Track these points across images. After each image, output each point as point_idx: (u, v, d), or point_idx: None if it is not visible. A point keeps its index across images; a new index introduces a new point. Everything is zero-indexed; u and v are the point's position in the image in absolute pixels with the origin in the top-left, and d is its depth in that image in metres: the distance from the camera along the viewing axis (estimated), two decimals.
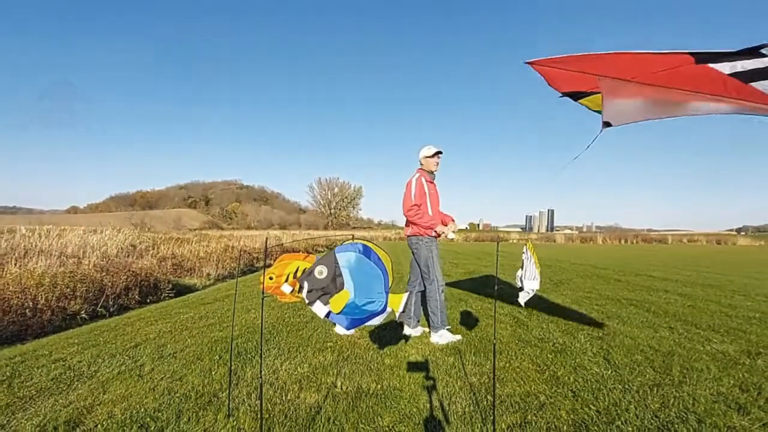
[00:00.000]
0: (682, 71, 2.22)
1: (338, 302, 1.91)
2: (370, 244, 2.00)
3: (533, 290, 2.26)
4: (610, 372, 2.80)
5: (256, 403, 2.33)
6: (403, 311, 2.01)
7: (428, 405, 2.34)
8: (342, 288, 1.93)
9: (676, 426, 2.06)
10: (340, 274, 1.94)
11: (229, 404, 2.32)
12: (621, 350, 3.28)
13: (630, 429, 2.05)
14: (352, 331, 2.10)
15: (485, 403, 2.36)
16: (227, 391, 2.46)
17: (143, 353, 3.36)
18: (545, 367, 2.90)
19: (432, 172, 3.76)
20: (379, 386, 2.59)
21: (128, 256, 8.53)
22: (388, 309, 1.97)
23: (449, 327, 3.65)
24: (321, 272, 1.93)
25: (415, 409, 2.28)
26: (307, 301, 1.94)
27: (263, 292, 2.12)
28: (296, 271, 2.16)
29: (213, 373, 2.86)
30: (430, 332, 3.64)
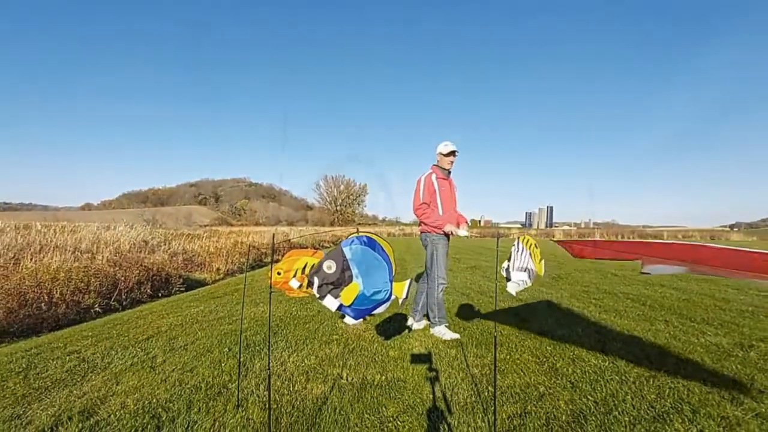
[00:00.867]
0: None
1: (349, 294, 1.97)
2: (373, 236, 2.07)
3: (523, 281, 2.33)
4: (607, 364, 2.86)
5: (264, 394, 2.40)
6: (406, 297, 2.09)
7: (431, 396, 2.40)
8: (351, 281, 2.00)
9: (672, 416, 2.13)
10: (349, 268, 2.00)
11: (238, 395, 2.38)
12: (618, 343, 3.35)
13: (626, 419, 2.11)
14: (360, 321, 2.17)
15: (486, 393, 2.43)
16: (236, 383, 2.53)
17: (155, 345, 3.43)
18: (544, 359, 2.97)
19: (446, 169, 3.69)
20: (383, 377, 2.66)
21: (140, 251, 8.59)
22: (393, 296, 2.04)
23: (447, 324, 3.68)
24: (330, 267, 1.99)
25: (418, 400, 2.34)
26: (318, 296, 1.99)
27: (271, 287, 2.17)
28: (305, 267, 2.21)
29: (222, 365, 2.93)
30: (431, 325, 3.71)
